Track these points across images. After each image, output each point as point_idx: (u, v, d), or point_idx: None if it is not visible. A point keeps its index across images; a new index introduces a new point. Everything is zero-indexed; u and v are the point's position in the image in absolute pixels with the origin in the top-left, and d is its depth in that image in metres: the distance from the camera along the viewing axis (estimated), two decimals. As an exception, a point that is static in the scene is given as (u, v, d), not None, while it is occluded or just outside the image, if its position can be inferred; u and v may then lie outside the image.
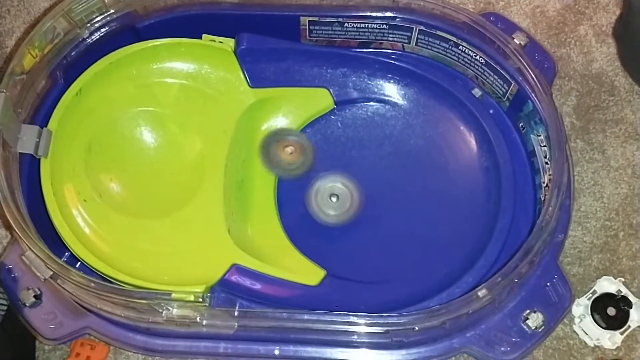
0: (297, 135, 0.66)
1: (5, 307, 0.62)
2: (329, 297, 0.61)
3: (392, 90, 0.68)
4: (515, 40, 0.62)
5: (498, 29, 0.62)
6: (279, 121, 0.67)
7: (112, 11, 0.62)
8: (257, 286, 0.60)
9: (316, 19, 0.65)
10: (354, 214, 0.64)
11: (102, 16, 0.62)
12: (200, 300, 0.53)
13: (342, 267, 0.63)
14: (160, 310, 0.52)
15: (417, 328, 0.52)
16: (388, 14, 0.64)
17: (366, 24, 0.66)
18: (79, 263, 0.60)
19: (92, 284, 0.53)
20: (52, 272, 0.53)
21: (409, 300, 0.59)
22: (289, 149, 0.64)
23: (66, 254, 0.61)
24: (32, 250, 0.53)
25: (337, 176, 0.65)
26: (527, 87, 0.61)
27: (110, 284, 0.55)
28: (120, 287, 0.54)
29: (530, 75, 0.59)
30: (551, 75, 0.66)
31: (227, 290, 0.59)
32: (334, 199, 0.64)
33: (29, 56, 0.58)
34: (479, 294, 0.53)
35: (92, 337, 0.62)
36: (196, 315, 0.53)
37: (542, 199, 0.62)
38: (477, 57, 0.65)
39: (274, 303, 0.59)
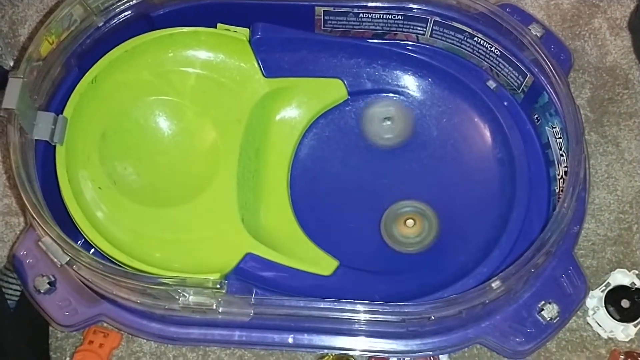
0: (415, 206, 0.64)
1: (18, 293, 0.62)
2: (342, 288, 0.61)
3: (406, 82, 0.68)
4: (532, 31, 0.62)
5: (515, 20, 0.61)
6: (293, 111, 0.67)
7: (128, -1, 0.62)
8: (271, 275, 0.60)
9: (331, 9, 0.65)
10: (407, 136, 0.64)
11: (118, 4, 0.62)
12: (218, 287, 0.52)
13: (355, 257, 0.63)
14: (177, 297, 0.52)
15: (432, 317, 0.52)
16: (404, 4, 0.64)
17: (381, 15, 0.66)
18: (92, 250, 0.60)
19: (110, 270, 0.53)
20: (69, 258, 0.53)
21: (422, 290, 0.59)
22: (410, 222, 0.63)
23: (79, 242, 0.62)
24: (49, 236, 0.53)
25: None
26: (544, 78, 0.61)
27: (129, 269, 0.55)
28: (138, 273, 0.54)
29: (548, 66, 0.59)
30: (567, 67, 0.66)
31: (242, 279, 0.59)
32: (387, 122, 0.64)
33: (46, 42, 0.58)
34: (494, 285, 0.53)
35: (106, 325, 0.62)
36: (212, 302, 0.52)
37: (557, 191, 0.62)
38: (493, 49, 0.65)
39: (288, 292, 0.59)
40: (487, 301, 0.53)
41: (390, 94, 0.68)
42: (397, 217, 0.64)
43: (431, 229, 0.63)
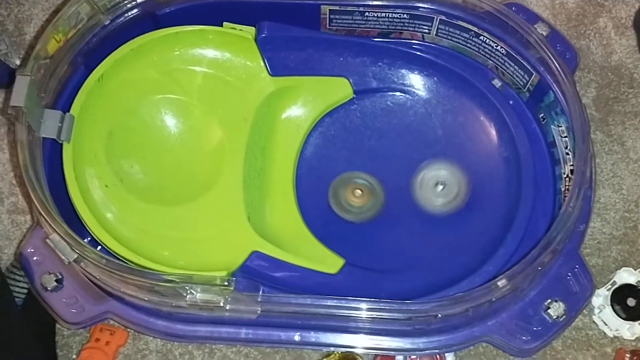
0: (365, 178, 0.65)
1: (25, 291, 0.62)
2: (348, 286, 0.61)
3: (411, 80, 0.68)
4: (538, 30, 0.62)
5: (521, 19, 0.62)
6: (299, 109, 0.67)
7: (135, -3, 0.62)
8: (277, 273, 0.60)
9: (337, 7, 0.65)
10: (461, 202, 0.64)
11: (124, 2, 0.62)
12: (226, 284, 0.53)
13: (361, 256, 0.63)
14: (184, 294, 0.52)
15: (439, 315, 0.52)
16: (410, 3, 0.64)
17: (387, 14, 0.66)
18: (99, 247, 0.60)
19: (118, 267, 0.53)
20: (77, 255, 0.53)
21: (428, 289, 0.59)
22: (358, 192, 0.64)
23: (86, 239, 0.62)
24: (57, 233, 0.53)
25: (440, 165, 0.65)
26: (550, 77, 0.61)
27: (136, 267, 0.55)
28: (146, 270, 0.54)
29: (555, 65, 0.59)
30: (573, 66, 0.66)
31: (248, 277, 0.59)
32: (439, 188, 0.64)
33: (53, 40, 0.59)
34: (500, 283, 0.53)
35: (112, 322, 0.62)
36: (220, 299, 0.53)
37: (562, 189, 0.62)
38: (498, 48, 0.65)
39: (294, 290, 0.59)
40: (493, 299, 0.53)
41: (396, 93, 0.68)
42: (347, 185, 0.65)
43: (376, 202, 0.63)
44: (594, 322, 0.63)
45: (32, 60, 0.57)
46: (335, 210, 0.64)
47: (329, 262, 0.61)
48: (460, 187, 0.64)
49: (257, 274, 0.59)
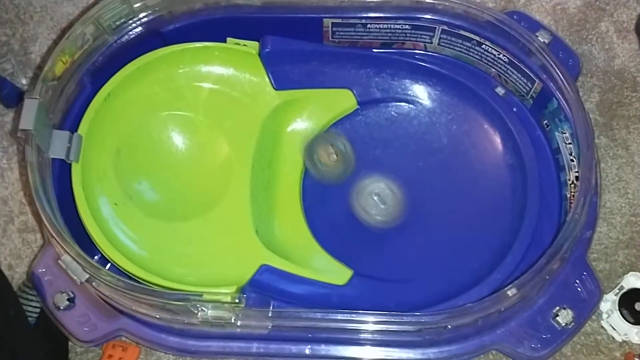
0: (344, 144, 0.66)
1: (38, 310, 0.63)
2: (357, 297, 0.61)
3: (415, 90, 0.68)
4: (539, 38, 0.63)
5: (522, 28, 0.62)
6: (304, 122, 0.68)
7: (139, 16, 0.63)
8: (286, 286, 0.60)
9: (339, 20, 0.66)
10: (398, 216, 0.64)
11: (129, 21, 0.63)
12: (237, 301, 0.53)
13: (369, 266, 0.63)
14: (196, 312, 0.53)
15: (449, 326, 0.53)
16: (412, 14, 0.65)
17: (389, 25, 0.66)
18: (108, 264, 0.61)
19: (130, 287, 0.53)
20: (88, 276, 0.54)
21: (437, 298, 0.60)
22: (332, 157, 0.64)
23: (96, 257, 0.62)
24: (68, 254, 0.54)
25: (379, 177, 0.65)
26: (553, 85, 0.62)
27: (147, 286, 0.56)
28: (157, 290, 0.55)
29: (557, 73, 0.60)
30: (576, 72, 0.66)
31: (258, 291, 0.60)
32: (381, 205, 0.64)
33: (60, 62, 0.59)
34: (509, 292, 0.53)
35: (125, 339, 0.62)
36: (231, 315, 0.53)
37: (568, 196, 0.62)
38: (501, 56, 0.65)
39: (303, 303, 0.60)
40: (502, 309, 0.53)
41: (400, 103, 0.68)
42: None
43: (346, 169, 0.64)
44: (602, 327, 0.63)
45: (40, 82, 0.58)
46: (308, 167, 0.65)
47: (338, 274, 0.62)
48: (397, 201, 0.64)
49: (266, 287, 0.60)
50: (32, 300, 0.63)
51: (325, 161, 0.64)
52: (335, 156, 0.64)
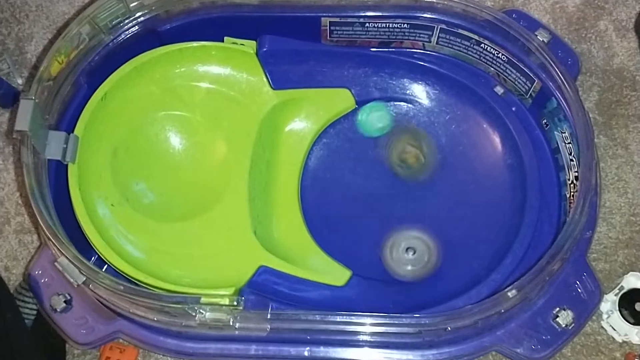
0: (427, 146, 0.65)
1: (35, 312, 0.62)
2: (356, 298, 0.61)
3: (413, 89, 0.68)
4: (538, 37, 0.62)
5: (522, 27, 0.61)
6: (302, 122, 0.67)
7: (136, 15, 0.62)
8: (285, 287, 0.60)
9: (337, 19, 0.65)
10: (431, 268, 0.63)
11: (125, 20, 0.62)
12: (235, 304, 0.53)
13: (368, 267, 0.63)
14: (194, 314, 0.53)
15: (449, 328, 0.53)
16: (410, 13, 0.64)
17: (387, 24, 0.66)
18: (105, 266, 0.61)
19: (127, 289, 0.53)
20: (85, 278, 0.53)
21: (437, 299, 0.60)
22: (413, 155, 0.64)
23: (93, 258, 0.62)
24: (65, 257, 0.54)
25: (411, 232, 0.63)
26: (552, 84, 0.61)
27: (143, 289, 0.55)
28: (155, 292, 0.55)
29: (556, 72, 0.59)
30: (575, 71, 0.66)
31: (256, 292, 0.59)
32: (410, 253, 0.62)
33: (56, 62, 0.59)
34: (509, 294, 0.53)
35: (122, 341, 0.62)
36: (229, 318, 0.53)
37: (567, 195, 0.62)
38: (499, 55, 0.65)
39: (302, 304, 0.60)
40: (502, 310, 0.53)
41: (398, 102, 0.68)
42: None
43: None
44: (602, 327, 0.63)
45: (36, 83, 0.57)
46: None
47: (337, 274, 0.61)
48: (431, 254, 0.63)
49: (264, 288, 0.60)
50: (28, 303, 0.63)
51: (404, 154, 0.63)
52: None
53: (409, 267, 0.63)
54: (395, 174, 0.65)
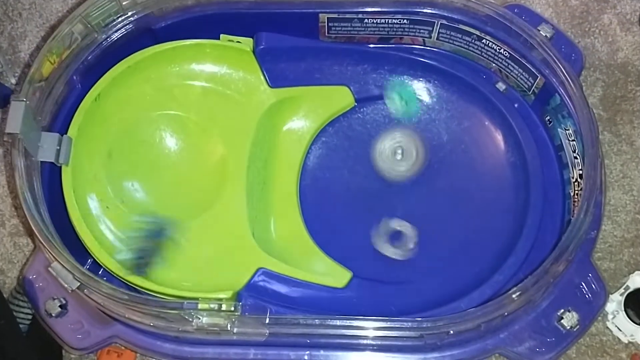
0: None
1: (30, 317, 0.61)
2: (357, 299, 0.60)
3: (414, 86, 0.66)
4: (541, 32, 0.61)
5: (524, 22, 0.60)
6: (300, 121, 0.66)
7: (129, 14, 0.61)
8: (284, 290, 0.59)
9: (335, 15, 0.64)
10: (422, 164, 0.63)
11: (119, 19, 0.61)
12: (232, 309, 0.52)
13: (369, 268, 0.62)
14: (190, 319, 0.52)
15: (451, 332, 0.51)
16: (409, 8, 0.63)
17: (386, 20, 0.64)
18: (101, 269, 0.60)
19: (122, 295, 0.52)
20: (79, 283, 0.52)
21: (439, 301, 0.59)
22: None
23: (89, 261, 0.61)
24: (58, 262, 0.53)
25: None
26: (555, 80, 0.60)
27: (139, 294, 0.54)
28: (150, 298, 0.54)
29: (560, 68, 0.58)
30: (579, 67, 0.65)
31: (255, 295, 0.58)
32: (398, 154, 0.63)
33: (48, 63, 0.58)
34: (513, 296, 0.52)
35: (119, 345, 0.61)
36: (227, 323, 0.52)
37: (571, 194, 0.61)
38: (501, 51, 0.63)
39: (302, 306, 0.58)
40: (506, 313, 0.52)
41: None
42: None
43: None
44: (607, 328, 0.62)
45: (27, 84, 0.56)
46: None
47: (337, 276, 0.60)
48: (418, 149, 0.63)
49: (263, 291, 0.59)
50: (23, 307, 0.62)
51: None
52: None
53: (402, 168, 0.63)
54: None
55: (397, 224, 0.63)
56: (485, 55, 0.65)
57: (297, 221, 0.63)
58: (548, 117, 0.64)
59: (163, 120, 0.63)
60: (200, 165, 0.63)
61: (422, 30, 0.65)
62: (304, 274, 0.59)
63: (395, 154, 0.63)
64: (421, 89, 0.66)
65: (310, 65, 0.65)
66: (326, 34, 0.66)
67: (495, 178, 0.64)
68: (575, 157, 0.60)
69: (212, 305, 0.52)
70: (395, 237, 0.63)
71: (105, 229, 0.59)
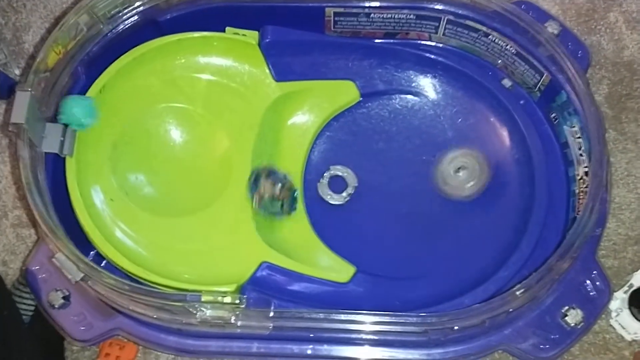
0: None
1: (32, 308, 0.61)
2: (361, 295, 0.60)
3: (419, 82, 0.66)
4: (548, 29, 0.61)
5: (531, 18, 0.60)
6: (305, 115, 0.66)
7: (135, 5, 0.61)
8: (287, 284, 0.59)
9: (342, 9, 0.64)
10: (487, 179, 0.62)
11: (124, 10, 0.61)
12: (237, 302, 0.52)
13: (373, 263, 0.61)
14: (195, 312, 0.51)
15: (456, 327, 0.51)
16: (416, 4, 0.63)
17: (393, 14, 0.64)
18: (104, 262, 0.59)
19: (126, 287, 0.52)
20: (83, 275, 0.52)
21: (443, 297, 0.58)
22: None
23: (92, 252, 0.61)
24: (62, 253, 0.52)
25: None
26: (562, 77, 0.60)
27: (143, 286, 0.54)
28: (154, 290, 0.54)
29: (567, 65, 0.58)
30: (585, 64, 0.64)
31: (258, 289, 0.58)
32: (461, 173, 0.62)
33: (53, 53, 0.57)
34: (518, 292, 0.52)
35: (121, 338, 0.61)
36: (231, 316, 0.52)
37: (576, 191, 0.61)
38: (508, 47, 0.63)
39: (305, 301, 0.58)
40: (510, 309, 0.52)
41: (403, 95, 0.66)
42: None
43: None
44: (611, 325, 0.62)
45: (32, 74, 0.56)
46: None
47: (340, 271, 0.60)
48: (481, 165, 0.62)
49: (267, 285, 0.58)
50: (26, 299, 0.61)
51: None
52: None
53: (468, 185, 0.62)
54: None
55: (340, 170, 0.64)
56: (491, 52, 0.65)
57: (301, 215, 0.63)
58: (554, 115, 0.64)
59: (168, 112, 0.63)
60: (205, 158, 0.63)
61: (428, 26, 0.65)
62: (308, 268, 0.59)
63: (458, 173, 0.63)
64: (427, 85, 0.66)
65: (316, 60, 0.65)
66: (332, 28, 0.66)
67: (500, 174, 0.64)
68: (581, 155, 0.60)
69: (216, 298, 0.52)
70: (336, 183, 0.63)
71: (109, 221, 0.59)
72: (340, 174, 0.65)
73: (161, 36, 0.63)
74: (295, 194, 0.62)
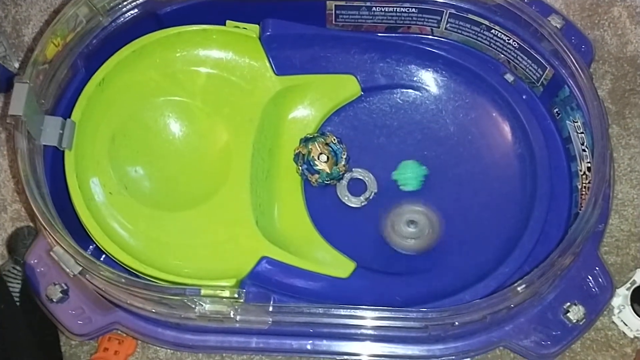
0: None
1: (19, 287, 0.60)
2: (360, 290, 0.59)
3: (421, 76, 0.66)
4: (551, 22, 0.60)
5: (534, 12, 0.59)
6: (306, 109, 0.65)
7: (135, -3, 0.61)
8: (287, 279, 0.58)
9: (343, 3, 0.64)
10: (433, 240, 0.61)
11: (124, 3, 0.60)
12: (236, 296, 0.51)
13: (373, 258, 0.61)
14: (193, 306, 0.51)
15: (456, 323, 0.51)
16: (418, -3, 0.62)
17: (394, 8, 0.64)
18: (103, 255, 0.59)
19: (124, 280, 0.51)
20: (81, 268, 0.52)
21: (443, 292, 0.58)
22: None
23: (90, 246, 0.60)
24: (60, 246, 0.52)
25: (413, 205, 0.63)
26: (565, 71, 0.59)
27: (141, 280, 0.54)
28: (153, 283, 0.53)
29: (570, 59, 0.57)
30: (588, 59, 0.64)
31: (258, 284, 0.58)
32: (412, 227, 0.61)
33: (52, 45, 0.57)
34: (519, 288, 0.51)
35: (120, 332, 0.61)
36: (230, 310, 0.51)
37: (579, 187, 0.60)
38: (510, 41, 0.63)
39: (305, 295, 0.58)
40: (511, 305, 0.51)
41: (405, 89, 0.66)
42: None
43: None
44: (613, 322, 0.62)
45: (31, 66, 0.55)
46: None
47: (340, 266, 0.60)
48: (433, 226, 0.61)
49: (266, 280, 0.58)
50: (15, 278, 0.61)
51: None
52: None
53: (411, 241, 0.61)
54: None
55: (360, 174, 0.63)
56: (494, 46, 0.65)
57: (301, 210, 0.63)
58: (556, 109, 0.63)
59: (168, 106, 0.62)
60: (204, 152, 0.63)
61: (430, 20, 0.65)
62: (308, 264, 0.59)
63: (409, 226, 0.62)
64: (429, 79, 0.66)
65: (317, 53, 0.65)
66: (333, 22, 0.66)
67: (502, 169, 0.63)
68: (584, 150, 0.60)
69: (215, 292, 0.52)
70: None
71: (108, 215, 0.59)
72: (360, 177, 0.64)
73: (161, 29, 0.62)
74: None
